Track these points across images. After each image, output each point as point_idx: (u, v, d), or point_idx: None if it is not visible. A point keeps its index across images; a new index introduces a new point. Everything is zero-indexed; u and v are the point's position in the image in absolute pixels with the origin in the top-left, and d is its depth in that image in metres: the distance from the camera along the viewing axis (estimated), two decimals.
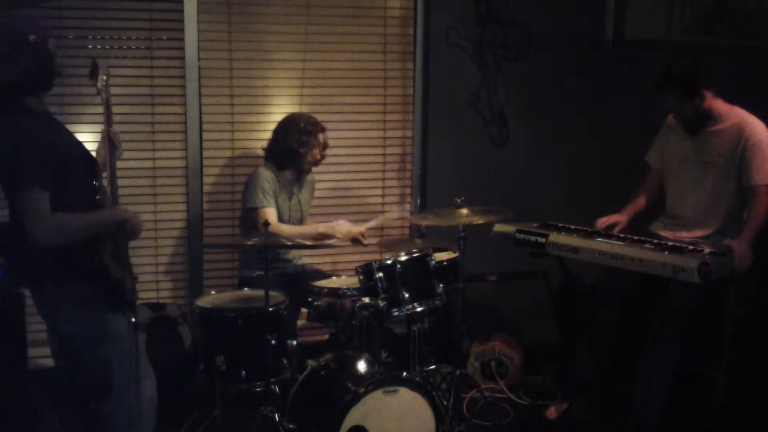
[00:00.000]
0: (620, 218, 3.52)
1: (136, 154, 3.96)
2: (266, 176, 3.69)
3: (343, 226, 3.72)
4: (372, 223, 3.92)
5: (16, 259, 2.61)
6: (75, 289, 2.49)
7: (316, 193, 4.09)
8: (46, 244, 2.37)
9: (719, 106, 3.31)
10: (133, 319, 2.62)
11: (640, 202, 3.60)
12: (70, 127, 2.81)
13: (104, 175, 2.72)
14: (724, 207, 3.31)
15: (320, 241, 3.69)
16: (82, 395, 2.77)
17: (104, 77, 2.70)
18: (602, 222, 3.51)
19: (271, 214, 3.60)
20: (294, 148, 3.70)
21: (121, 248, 2.59)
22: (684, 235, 3.36)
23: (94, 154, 2.79)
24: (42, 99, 2.58)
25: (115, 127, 2.78)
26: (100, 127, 3.69)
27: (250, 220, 3.67)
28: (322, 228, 3.71)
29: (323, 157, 3.84)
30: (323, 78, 4.25)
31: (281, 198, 3.73)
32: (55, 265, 2.46)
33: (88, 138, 3.66)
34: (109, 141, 2.72)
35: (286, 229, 3.62)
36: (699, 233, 3.34)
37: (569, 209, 3.66)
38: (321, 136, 3.76)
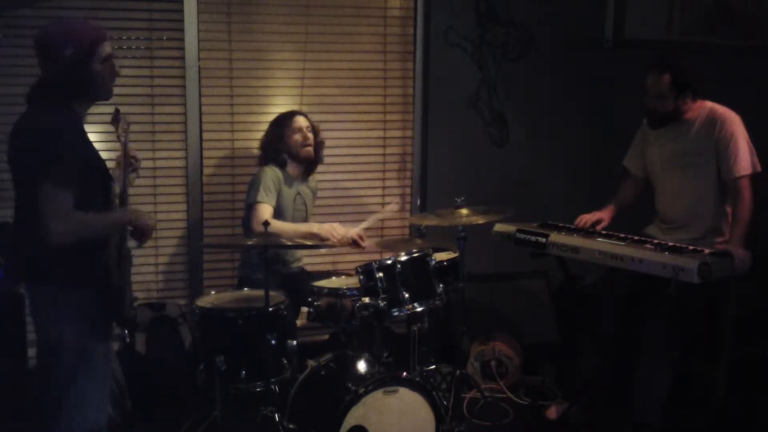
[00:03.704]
0: (604, 215, 3.53)
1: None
2: (271, 175, 3.68)
3: (338, 231, 3.63)
4: (365, 224, 3.84)
5: (19, 255, 2.53)
6: (73, 291, 2.42)
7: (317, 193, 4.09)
8: (60, 241, 2.31)
9: (689, 107, 3.30)
10: (116, 348, 2.58)
11: (619, 202, 3.60)
12: None
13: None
14: (713, 205, 3.30)
15: (314, 241, 3.64)
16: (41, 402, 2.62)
17: (125, 126, 2.69)
18: (586, 219, 3.51)
19: (265, 210, 3.57)
20: (273, 142, 3.76)
21: (123, 264, 2.56)
22: (680, 237, 3.36)
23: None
24: (88, 104, 2.53)
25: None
26: (99, 127, 3.75)
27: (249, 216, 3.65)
28: (316, 228, 3.64)
29: (312, 139, 3.79)
30: (323, 78, 4.25)
31: (286, 196, 3.72)
32: (58, 264, 2.39)
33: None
34: (126, 159, 2.68)
35: (280, 225, 3.55)
36: (695, 234, 3.32)
37: (569, 209, 3.65)
38: (297, 119, 3.78)
